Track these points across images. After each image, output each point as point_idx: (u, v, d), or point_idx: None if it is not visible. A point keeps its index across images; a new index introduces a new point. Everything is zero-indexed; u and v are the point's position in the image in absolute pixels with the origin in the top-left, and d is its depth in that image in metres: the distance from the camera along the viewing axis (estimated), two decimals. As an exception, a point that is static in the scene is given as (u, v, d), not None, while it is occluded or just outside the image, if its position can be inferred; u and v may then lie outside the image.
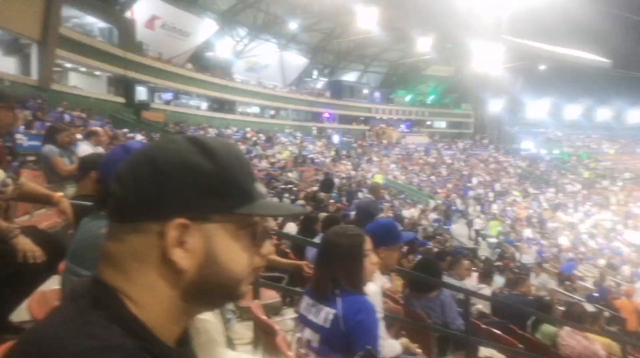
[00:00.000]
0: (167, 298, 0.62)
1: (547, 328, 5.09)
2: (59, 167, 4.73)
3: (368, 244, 1.92)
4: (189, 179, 0.62)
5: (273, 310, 3.67)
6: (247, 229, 0.66)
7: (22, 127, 10.28)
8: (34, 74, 16.13)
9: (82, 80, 21.21)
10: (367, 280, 1.94)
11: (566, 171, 35.26)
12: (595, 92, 43.72)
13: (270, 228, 0.75)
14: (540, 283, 9.66)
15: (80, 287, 0.63)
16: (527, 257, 15.73)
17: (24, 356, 0.56)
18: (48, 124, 7.94)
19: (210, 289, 0.65)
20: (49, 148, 4.85)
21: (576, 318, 4.97)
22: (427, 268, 3.97)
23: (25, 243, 2.04)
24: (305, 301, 1.96)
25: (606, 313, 9.45)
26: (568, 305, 5.76)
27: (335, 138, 31.19)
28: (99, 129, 6.91)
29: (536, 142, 40.79)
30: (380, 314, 2.32)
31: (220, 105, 27.99)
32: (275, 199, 11.40)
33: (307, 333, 1.87)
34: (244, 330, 3.32)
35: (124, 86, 21.64)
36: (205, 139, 0.66)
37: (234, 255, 0.65)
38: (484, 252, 15.94)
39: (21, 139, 9.95)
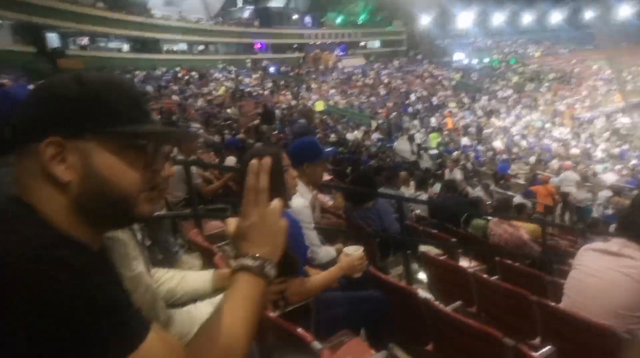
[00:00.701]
0: (64, 209, 0.71)
1: (477, 222, 5.56)
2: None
3: (286, 160, 2.00)
4: (58, 103, 0.71)
5: (220, 238, 3.79)
6: (134, 148, 0.74)
7: None
8: None
9: (-19, 32, 19.15)
10: (290, 194, 2.04)
11: (497, 77, 36.49)
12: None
13: (168, 152, 0.81)
14: (452, 177, 10.43)
15: None
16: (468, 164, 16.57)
17: None
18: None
19: (100, 201, 0.73)
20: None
21: (503, 209, 5.45)
22: (360, 180, 4.17)
23: None
24: (235, 219, 2.05)
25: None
26: (496, 200, 6.27)
27: (272, 69, 30.36)
28: (5, 82, 6.40)
29: (466, 53, 41.57)
30: (310, 225, 2.47)
31: (143, 45, 26.21)
32: (216, 137, 11.23)
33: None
34: (193, 260, 3.51)
35: (32, 34, 19.68)
36: (83, 72, 0.75)
37: (118, 170, 0.73)
38: (426, 164, 16.66)
39: None
